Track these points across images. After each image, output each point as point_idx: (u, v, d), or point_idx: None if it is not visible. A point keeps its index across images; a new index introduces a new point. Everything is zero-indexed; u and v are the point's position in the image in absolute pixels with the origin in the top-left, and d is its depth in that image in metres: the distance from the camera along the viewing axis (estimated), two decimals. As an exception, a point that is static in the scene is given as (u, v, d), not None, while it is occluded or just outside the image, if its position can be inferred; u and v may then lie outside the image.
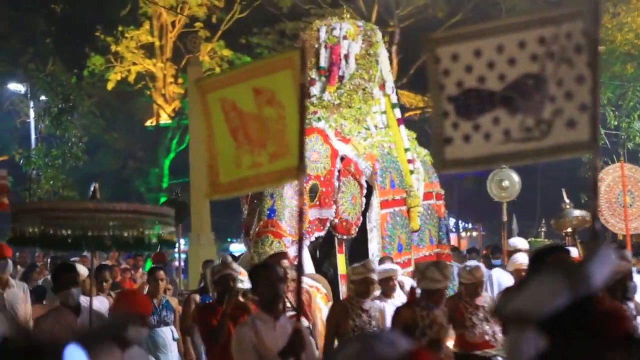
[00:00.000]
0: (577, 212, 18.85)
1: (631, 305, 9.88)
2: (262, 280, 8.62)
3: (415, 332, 9.89)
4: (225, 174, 7.76)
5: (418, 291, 10.64)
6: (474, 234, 45.75)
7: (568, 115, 6.38)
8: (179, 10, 41.12)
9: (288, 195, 16.24)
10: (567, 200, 19.75)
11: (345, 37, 18.66)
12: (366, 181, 17.10)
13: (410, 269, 16.97)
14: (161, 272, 13.64)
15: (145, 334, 8.69)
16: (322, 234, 16.61)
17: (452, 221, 47.82)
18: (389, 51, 44.32)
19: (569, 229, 19.72)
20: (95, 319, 9.88)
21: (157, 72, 42.05)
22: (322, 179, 16.56)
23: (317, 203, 16.47)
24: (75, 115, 37.92)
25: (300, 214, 7.08)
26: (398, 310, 10.81)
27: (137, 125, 44.61)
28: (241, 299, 11.23)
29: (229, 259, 12.15)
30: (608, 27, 34.97)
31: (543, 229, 27.54)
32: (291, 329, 7.68)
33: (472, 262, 14.10)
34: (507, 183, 19.36)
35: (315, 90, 18.25)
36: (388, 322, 12.44)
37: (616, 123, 35.01)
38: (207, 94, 7.87)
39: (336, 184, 16.59)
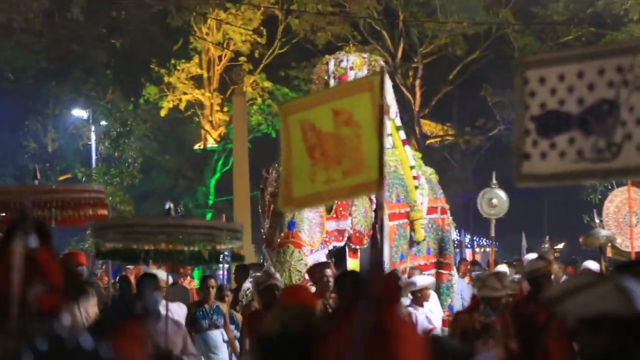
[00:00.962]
0: (604, 232, 17.99)
1: None
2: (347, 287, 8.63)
3: (471, 336, 9.93)
4: (299, 189, 7.51)
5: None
6: (487, 249, 46.15)
7: (638, 140, 6.32)
8: (225, 46, 41.38)
9: (305, 209, 16.15)
10: (598, 221, 18.77)
11: (351, 68, 18.56)
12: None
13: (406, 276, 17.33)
14: (212, 280, 13.76)
15: None
16: (342, 244, 16.84)
17: (467, 238, 48.42)
18: (413, 85, 45.22)
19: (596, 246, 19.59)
20: (171, 324, 9.68)
21: (205, 101, 42.14)
22: None
23: (334, 215, 16.70)
24: (132, 139, 39.11)
25: (382, 224, 6.95)
26: (457, 316, 11.09)
27: (187, 148, 44.95)
28: None
29: (272, 269, 12.27)
30: None
31: (546, 245, 27.69)
32: None
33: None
34: (496, 201, 19.00)
35: None
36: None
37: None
38: (288, 116, 7.67)
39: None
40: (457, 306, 18.11)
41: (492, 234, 19.84)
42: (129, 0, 32.36)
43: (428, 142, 47.19)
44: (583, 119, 6.33)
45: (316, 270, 12.56)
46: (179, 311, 12.30)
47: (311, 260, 15.08)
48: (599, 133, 6.27)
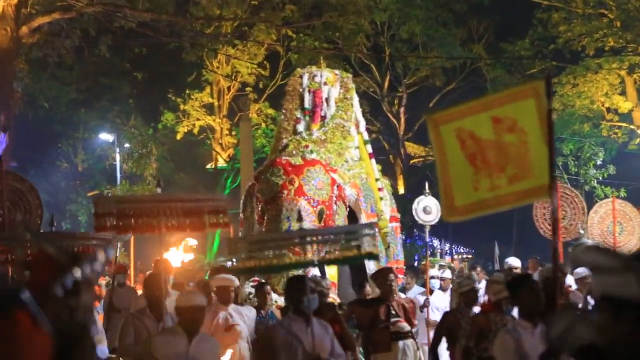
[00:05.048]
0: (590, 242, 17.33)
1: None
2: (526, 291, 7.94)
3: (489, 336, 9.36)
4: (462, 198, 7.02)
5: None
6: (464, 256, 46.41)
7: None
8: (233, 78, 41.35)
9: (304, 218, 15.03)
10: (582, 232, 18.80)
11: (325, 83, 18.14)
12: (349, 206, 16.47)
13: None
14: (268, 287, 12.74)
15: None
16: None
17: (447, 246, 48.72)
18: (398, 112, 45.68)
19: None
20: (318, 326, 8.68)
21: (215, 126, 41.99)
22: (326, 204, 16.01)
23: (322, 225, 15.72)
24: (152, 159, 39.63)
25: (555, 225, 6.56)
26: (474, 318, 10.27)
27: (200, 167, 44.89)
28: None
29: (318, 277, 11.60)
30: (569, 94, 36.21)
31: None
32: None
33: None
34: (430, 209, 18.65)
35: (300, 127, 17.74)
36: None
37: (576, 170, 36.43)
38: (440, 126, 7.14)
39: (334, 207, 16.10)
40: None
41: (427, 238, 19.08)
42: (149, 38, 32.65)
43: (412, 162, 47.73)
44: None
45: (379, 275, 11.97)
46: (249, 314, 11.85)
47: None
48: None
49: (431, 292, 14.90)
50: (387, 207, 18.11)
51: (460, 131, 6.94)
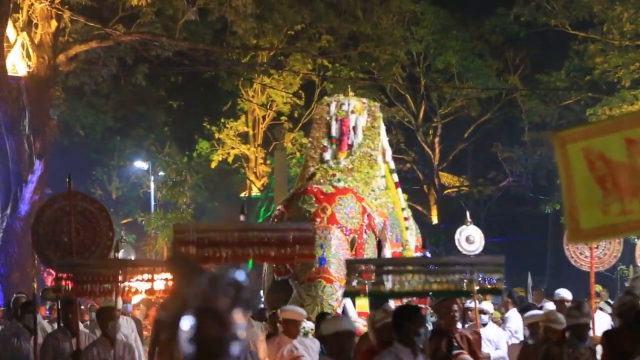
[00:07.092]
0: None
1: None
2: None
3: None
4: (588, 221, 6.69)
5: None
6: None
7: None
8: (268, 107, 41.57)
9: (335, 246, 15.42)
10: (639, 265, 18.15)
11: (353, 112, 18.06)
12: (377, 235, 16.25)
13: None
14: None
15: None
16: None
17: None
18: (433, 142, 45.68)
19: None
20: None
21: (250, 155, 42.09)
22: (357, 232, 15.84)
23: (354, 253, 15.53)
24: (186, 187, 39.38)
25: None
26: (548, 348, 9.91)
27: (234, 196, 44.59)
28: None
29: (390, 307, 10.78)
30: None
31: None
32: None
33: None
34: (473, 238, 17.81)
35: (327, 156, 17.69)
36: None
37: None
38: (567, 144, 6.80)
39: (364, 236, 15.88)
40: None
41: None
42: (186, 67, 32.95)
43: (446, 192, 47.60)
44: None
45: (442, 306, 10.94)
46: (313, 346, 11.49)
47: (342, 295, 14.29)
48: None
49: (483, 325, 14.58)
50: (413, 237, 18.00)
51: (588, 151, 6.66)
